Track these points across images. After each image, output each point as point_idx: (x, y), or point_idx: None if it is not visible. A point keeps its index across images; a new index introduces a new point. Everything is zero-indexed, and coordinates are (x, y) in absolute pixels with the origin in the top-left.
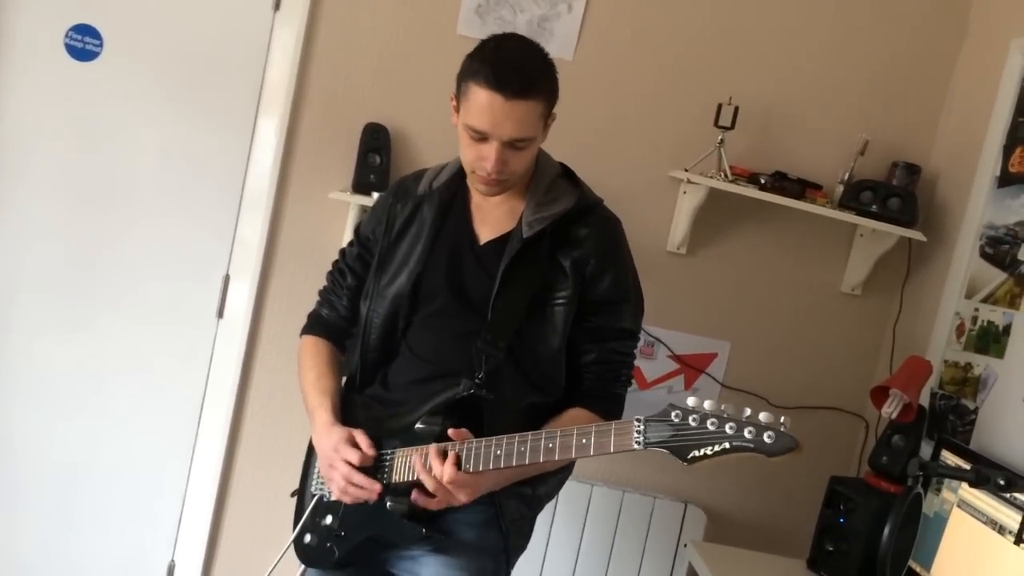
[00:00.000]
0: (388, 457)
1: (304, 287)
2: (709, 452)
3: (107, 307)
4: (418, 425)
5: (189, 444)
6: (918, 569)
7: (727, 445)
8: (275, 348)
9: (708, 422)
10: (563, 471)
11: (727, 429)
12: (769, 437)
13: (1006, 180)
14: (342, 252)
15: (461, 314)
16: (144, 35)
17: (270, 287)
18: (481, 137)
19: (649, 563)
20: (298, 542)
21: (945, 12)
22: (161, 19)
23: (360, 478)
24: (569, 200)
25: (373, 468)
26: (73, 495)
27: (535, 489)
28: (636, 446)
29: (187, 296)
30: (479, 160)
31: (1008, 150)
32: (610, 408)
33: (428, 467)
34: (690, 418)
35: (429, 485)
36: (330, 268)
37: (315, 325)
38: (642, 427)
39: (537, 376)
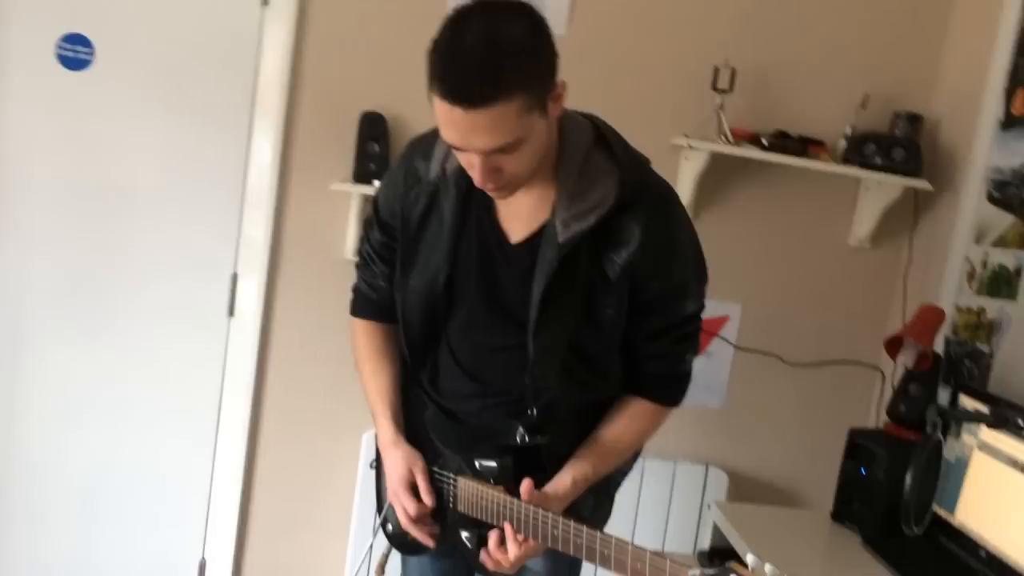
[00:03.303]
0: (453, 482)
1: (313, 280)
2: None
3: (118, 313)
4: (478, 463)
5: (210, 442)
6: (943, 514)
7: None
8: (289, 342)
9: None
10: (632, 456)
11: None
12: None
13: (1010, 123)
14: (367, 233)
15: (498, 324)
16: (135, 41)
17: (279, 283)
18: (460, 149)
19: (674, 526)
20: (384, 529)
21: None
22: (151, 23)
23: (416, 532)
24: (609, 185)
25: (440, 486)
26: (98, 501)
27: (609, 479)
28: None
29: (197, 297)
30: (469, 169)
31: (1010, 92)
32: (672, 390)
33: (501, 540)
34: None
35: (499, 560)
36: (358, 245)
37: (362, 306)
38: None
39: (588, 376)
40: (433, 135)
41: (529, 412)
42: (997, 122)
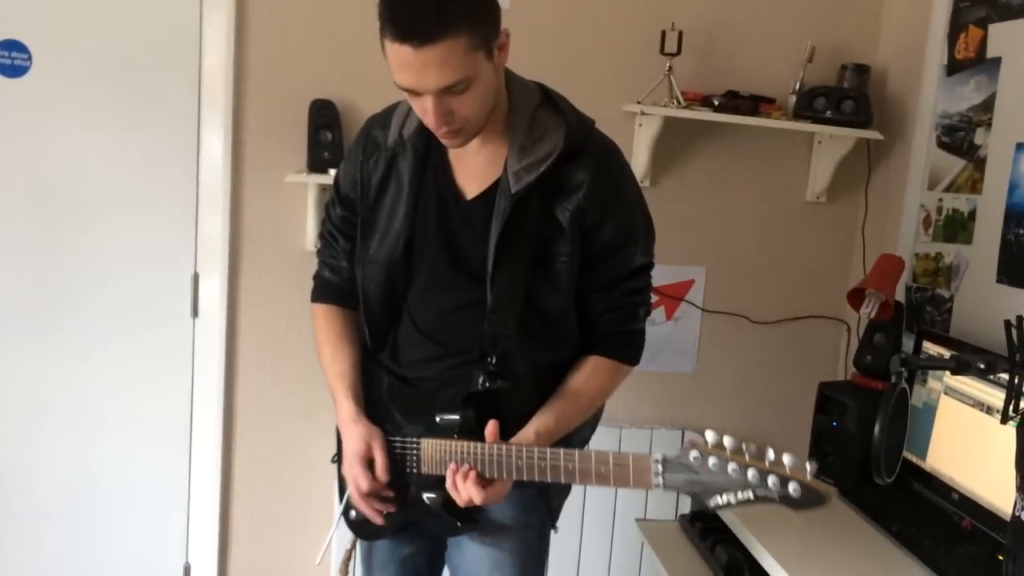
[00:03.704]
0: (414, 446)
1: (274, 274)
2: (732, 501)
3: (81, 321)
4: (439, 418)
5: (185, 445)
6: (914, 459)
7: (751, 495)
8: (255, 339)
9: (730, 468)
10: (595, 417)
11: (750, 477)
12: (795, 491)
13: (954, 67)
14: (327, 211)
15: (458, 283)
16: (73, 43)
17: (241, 280)
18: (413, 92)
19: (654, 493)
20: (346, 516)
21: None
22: (88, 25)
23: (366, 508)
24: (556, 138)
25: (400, 457)
26: (78, 511)
27: (569, 438)
28: (656, 487)
29: (159, 299)
30: (424, 115)
31: (952, 37)
32: (630, 349)
33: (454, 484)
34: (710, 461)
35: (459, 501)
36: (319, 229)
37: (323, 291)
38: (660, 468)
39: (547, 335)
40: (390, 108)
41: (488, 360)
42: (942, 67)
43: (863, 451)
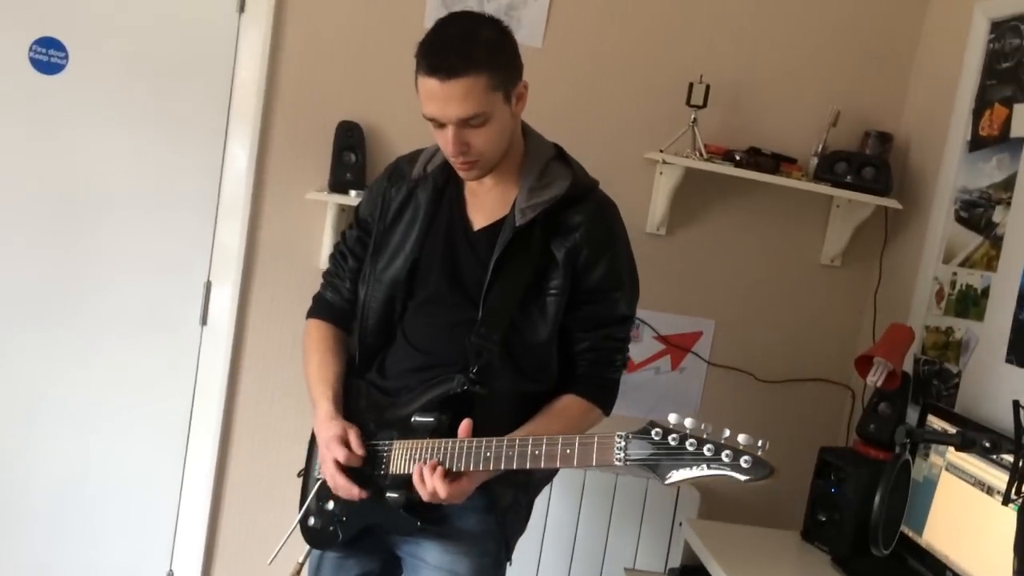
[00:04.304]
0: (385, 448)
1: (286, 289)
2: (687, 475)
3: (89, 320)
4: (414, 419)
5: (180, 452)
6: (910, 534)
7: (704, 467)
8: (261, 352)
9: (687, 443)
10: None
11: (705, 451)
12: (746, 463)
13: (977, 144)
14: (343, 235)
15: (455, 303)
16: (109, 45)
17: (252, 291)
18: (439, 124)
19: (646, 543)
20: (303, 524)
21: None
22: (126, 28)
23: (342, 480)
24: (562, 185)
25: (371, 458)
26: (67, 510)
27: (530, 474)
28: (617, 462)
29: (170, 305)
30: (445, 146)
31: (977, 114)
32: (603, 395)
33: (420, 478)
34: (670, 437)
35: (423, 495)
36: (331, 251)
37: (320, 308)
38: (623, 443)
39: (528, 365)
40: (419, 150)
41: (470, 368)
42: (965, 143)
43: (860, 520)
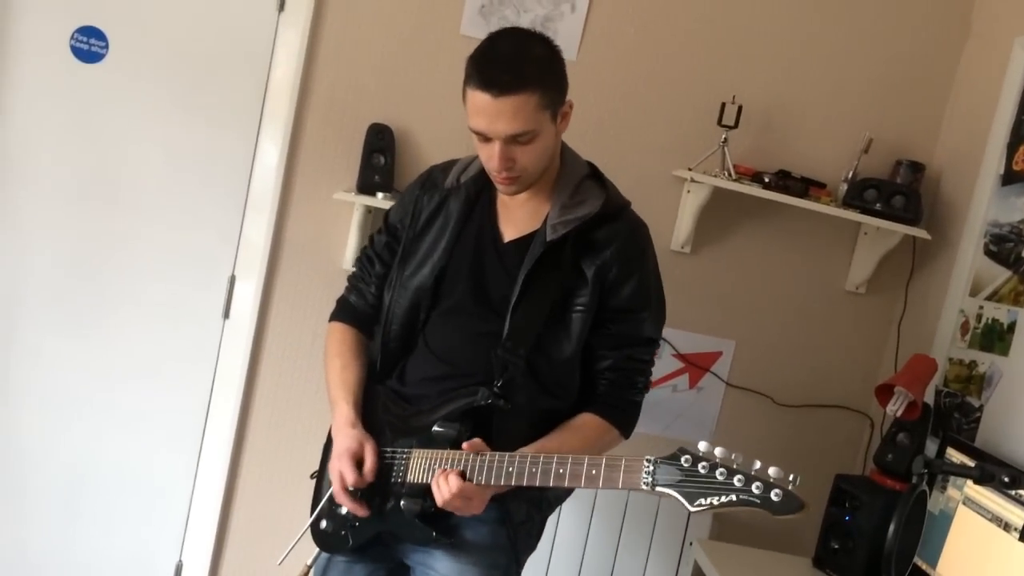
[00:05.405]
0: (404, 456)
1: (309, 287)
2: (716, 503)
3: (113, 308)
4: (435, 428)
5: (196, 444)
6: (924, 566)
7: (734, 498)
8: (281, 348)
9: (717, 472)
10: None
11: (735, 481)
12: (776, 496)
13: (1010, 178)
14: (371, 239)
15: (479, 313)
16: (149, 37)
17: (275, 287)
18: (485, 138)
19: (655, 562)
20: (315, 527)
21: (949, 10)
22: (166, 21)
23: (345, 499)
24: (595, 203)
25: (388, 465)
26: (80, 496)
27: (544, 492)
28: (644, 487)
29: (193, 297)
30: (488, 160)
31: (1012, 148)
32: (624, 416)
33: (438, 482)
34: (700, 465)
35: (438, 501)
36: (358, 254)
37: (343, 312)
38: (651, 468)
39: (551, 381)
40: (452, 161)
41: (495, 383)
42: (998, 176)
43: (873, 549)
